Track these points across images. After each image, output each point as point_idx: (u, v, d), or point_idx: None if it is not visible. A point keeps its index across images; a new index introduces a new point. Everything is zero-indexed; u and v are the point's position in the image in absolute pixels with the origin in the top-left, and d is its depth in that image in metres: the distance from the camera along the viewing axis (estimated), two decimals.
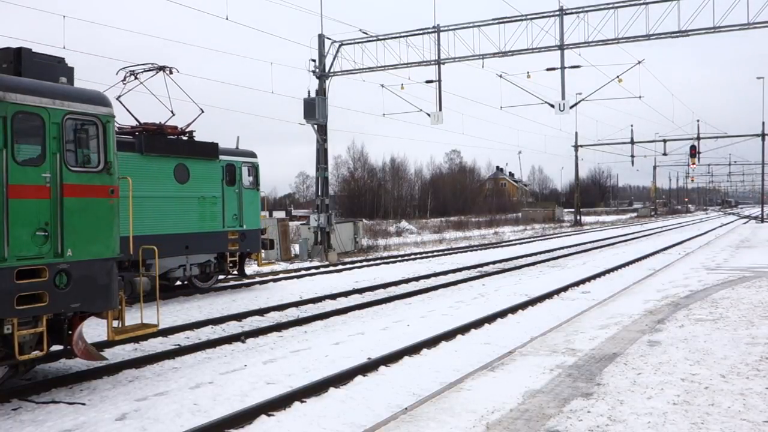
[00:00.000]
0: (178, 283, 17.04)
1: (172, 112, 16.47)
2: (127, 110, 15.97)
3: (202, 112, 17.42)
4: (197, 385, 8.48)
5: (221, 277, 18.57)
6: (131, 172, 13.91)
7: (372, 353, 9.97)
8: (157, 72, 16.02)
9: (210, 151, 17.07)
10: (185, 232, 16.29)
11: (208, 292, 17.49)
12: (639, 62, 30.28)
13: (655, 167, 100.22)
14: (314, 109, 28.81)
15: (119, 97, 15.82)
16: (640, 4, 25.93)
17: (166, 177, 15.82)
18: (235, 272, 18.40)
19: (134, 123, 15.99)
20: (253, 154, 18.94)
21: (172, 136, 16.29)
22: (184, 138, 16.69)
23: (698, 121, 59.81)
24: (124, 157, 14.25)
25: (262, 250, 19.35)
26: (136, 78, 16.03)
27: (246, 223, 18.18)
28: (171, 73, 16.00)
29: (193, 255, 16.61)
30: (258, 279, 20.15)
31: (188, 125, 16.95)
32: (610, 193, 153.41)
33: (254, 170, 18.69)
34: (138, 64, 16.07)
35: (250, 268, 21.93)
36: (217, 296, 16.95)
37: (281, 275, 21.30)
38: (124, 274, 9.36)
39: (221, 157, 17.45)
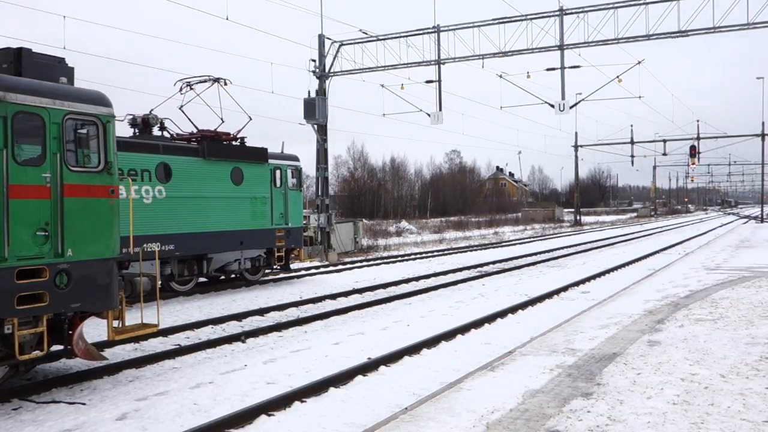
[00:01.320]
0: (221, 276, 18.44)
1: (221, 119, 17.90)
2: (188, 119, 17.73)
3: (251, 119, 19.00)
4: (197, 384, 8.48)
5: (267, 270, 19.92)
6: (196, 174, 16.50)
7: (372, 353, 9.98)
8: (213, 83, 17.71)
9: (260, 155, 18.69)
10: (240, 229, 17.86)
11: (252, 285, 18.74)
12: (639, 62, 30.28)
13: (655, 167, 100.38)
14: (314, 109, 28.81)
15: (181, 107, 17.63)
16: (640, 4, 25.94)
17: (224, 179, 17.40)
18: (277, 267, 19.77)
19: (193, 130, 17.60)
20: (296, 158, 20.62)
21: (227, 142, 17.90)
22: (237, 143, 18.19)
23: (698, 121, 59.88)
24: (190, 161, 16.37)
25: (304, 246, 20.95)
26: (191, 89, 17.70)
27: (291, 221, 19.80)
28: (226, 84, 17.72)
29: (247, 250, 18.20)
30: (271, 277, 20.17)
31: (239, 131, 18.44)
32: (610, 193, 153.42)
33: (297, 173, 20.31)
34: (194, 77, 17.84)
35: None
36: (217, 296, 16.95)
37: (281, 275, 21.28)
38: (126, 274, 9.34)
39: (269, 160, 19.03)
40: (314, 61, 29.75)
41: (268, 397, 7.70)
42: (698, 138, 58.10)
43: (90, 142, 8.32)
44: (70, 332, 8.37)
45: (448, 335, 11.28)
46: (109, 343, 10.32)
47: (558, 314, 13.18)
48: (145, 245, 14.53)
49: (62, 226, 7.84)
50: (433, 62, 28.98)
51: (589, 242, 37.84)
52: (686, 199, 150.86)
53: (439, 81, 29.15)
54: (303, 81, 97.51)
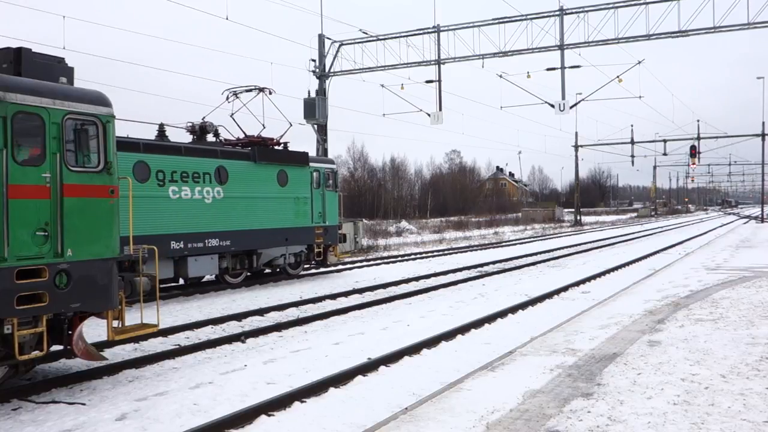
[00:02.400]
0: (266, 270, 20.13)
1: (263, 125, 19.68)
2: (238, 125, 19.46)
3: (291, 125, 21.03)
4: (197, 385, 8.48)
5: (306, 266, 21.48)
6: (248, 177, 18.04)
7: (372, 353, 9.97)
8: (258, 92, 19.42)
9: (302, 159, 20.27)
10: (285, 227, 19.45)
11: (289, 279, 20.06)
12: (639, 62, 30.32)
13: (655, 167, 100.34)
14: (314, 109, 28.83)
15: (232, 114, 19.44)
16: (640, 4, 25.95)
17: (272, 181, 18.99)
18: (313, 262, 21.31)
19: (240, 136, 19.27)
20: (332, 162, 22.79)
21: (273, 147, 19.48)
22: (279, 147, 19.72)
23: (698, 121, 59.91)
24: (243, 164, 17.93)
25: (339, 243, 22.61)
26: (237, 97, 19.43)
27: (328, 220, 21.31)
28: (271, 93, 19.52)
29: (291, 246, 19.81)
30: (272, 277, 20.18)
31: (281, 136, 20.07)
32: (610, 193, 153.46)
33: (333, 175, 21.86)
34: (240, 86, 19.56)
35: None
36: (217, 296, 16.95)
37: (281, 275, 21.27)
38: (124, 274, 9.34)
39: (310, 164, 20.57)
40: (314, 61, 29.76)
41: (268, 397, 7.70)
42: (698, 138, 58.13)
43: (90, 142, 8.31)
44: (70, 332, 8.37)
45: (448, 335, 11.28)
46: (109, 343, 10.31)
47: (558, 314, 13.17)
48: (206, 241, 16.63)
49: (62, 226, 7.83)
50: (433, 62, 28.98)
51: (590, 242, 37.83)
52: (686, 199, 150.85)
53: (439, 81, 29.16)
54: (303, 81, 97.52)
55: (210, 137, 18.27)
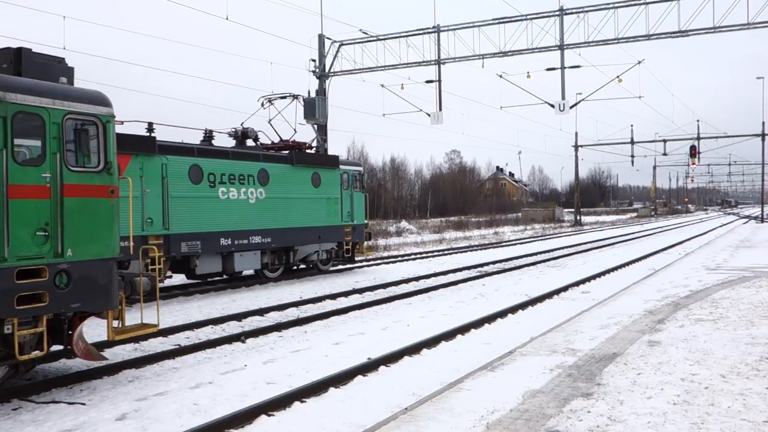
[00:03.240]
0: (301, 266, 21.61)
1: (294, 129, 21.50)
2: (275, 131, 21.47)
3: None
4: (197, 385, 8.48)
5: (335, 261, 22.69)
6: (286, 178, 19.54)
7: (372, 353, 9.97)
8: (292, 99, 21.41)
9: (333, 162, 21.86)
10: (318, 225, 20.82)
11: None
12: (639, 62, 30.32)
13: (655, 167, 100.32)
14: (314, 109, 28.81)
15: (270, 120, 21.29)
16: (640, 4, 25.95)
17: (307, 182, 20.40)
18: (339, 259, 22.57)
19: (276, 140, 21.01)
20: (359, 164, 24.77)
21: (307, 150, 21.10)
22: (311, 151, 21.24)
23: (698, 121, 59.92)
24: (282, 167, 19.43)
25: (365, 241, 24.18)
26: (272, 104, 21.12)
27: (356, 219, 22.72)
28: (304, 101, 21.93)
29: (323, 243, 21.24)
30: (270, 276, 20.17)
31: (312, 140, 21.88)
32: (610, 193, 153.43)
33: (360, 177, 23.22)
34: (275, 94, 21.36)
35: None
36: (217, 296, 16.95)
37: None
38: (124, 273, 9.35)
39: (340, 166, 22.05)
40: (314, 61, 29.77)
41: (268, 397, 7.70)
42: (698, 138, 58.15)
43: (90, 142, 8.31)
44: (70, 332, 8.37)
45: (448, 335, 11.28)
46: (109, 343, 10.31)
47: (558, 314, 13.17)
48: (250, 238, 18.11)
49: (62, 226, 7.84)
50: (433, 62, 28.99)
51: (590, 242, 37.83)
52: (686, 199, 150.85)
53: (439, 81, 29.17)
54: (303, 81, 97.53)
55: (249, 142, 19.90)
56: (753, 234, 41.34)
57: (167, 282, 17.21)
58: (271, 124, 21.23)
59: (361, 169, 23.81)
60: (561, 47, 27.29)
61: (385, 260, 27.64)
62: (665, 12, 25.62)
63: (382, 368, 9.16)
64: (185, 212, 16.30)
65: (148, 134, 15.66)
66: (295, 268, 21.34)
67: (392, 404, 7.49)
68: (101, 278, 8.29)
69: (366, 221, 23.76)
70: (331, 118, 30.26)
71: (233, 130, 19.58)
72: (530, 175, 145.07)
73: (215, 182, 17.13)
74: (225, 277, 18.89)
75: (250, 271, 19.83)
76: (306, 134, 22.70)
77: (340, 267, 23.61)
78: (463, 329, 11.82)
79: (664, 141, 62.76)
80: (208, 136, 18.43)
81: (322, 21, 30.52)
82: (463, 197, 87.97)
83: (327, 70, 29.87)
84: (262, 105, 21.11)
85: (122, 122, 14.29)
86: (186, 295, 16.86)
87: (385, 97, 31.31)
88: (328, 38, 29.91)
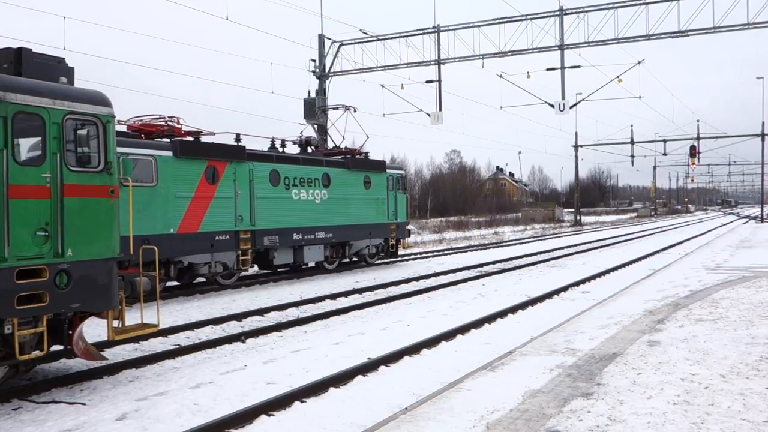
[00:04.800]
0: (354, 259, 23.89)
1: (343, 137, 24.42)
2: (330, 137, 24.46)
3: (368, 137, 26.11)
4: (197, 385, 8.48)
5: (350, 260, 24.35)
6: (344, 181, 22.09)
7: (372, 353, 9.97)
8: (345, 111, 23.95)
9: (381, 166, 24.39)
10: (369, 223, 23.31)
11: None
12: (639, 62, 30.32)
13: (655, 167, 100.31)
14: (314, 109, 28.82)
15: (328, 129, 24.41)
16: (640, 4, 25.96)
17: (360, 185, 22.95)
18: (383, 254, 24.82)
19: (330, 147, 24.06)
20: (401, 168, 27.52)
21: (358, 156, 23.65)
22: (360, 156, 23.72)
23: (698, 121, 59.93)
24: (340, 171, 21.95)
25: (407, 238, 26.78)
26: (324, 114, 24.64)
27: (399, 217, 25.10)
28: (355, 111, 23.97)
29: (373, 239, 23.76)
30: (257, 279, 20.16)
31: (361, 146, 24.83)
32: (610, 193, 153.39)
33: (402, 179, 25.73)
34: (329, 105, 24.46)
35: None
36: (217, 296, 16.96)
37: (283, 275, 21.29)
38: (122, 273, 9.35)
39: (386, 170, 24.52)
40: (314, 61, 29.78)
41: (268, 397, 7.70)
42: (698, 138, 58.17)
43: (90, 142, 8.31)
44: (70, 332, 8.37)
45: (448, 335, 11.28)
46: (109, 343, 10.32)
47: (558, 314, 13.18)
48: (316, 233, 20.60)
49: (62, 226, 7.84)
50: (433, 62, 29.00)
51: (590, 242, 37.84)
52: (686, 199, 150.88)
53: (439, 81, 29.19)
54: (303, 81, 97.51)
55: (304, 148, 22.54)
56: (753, 234, 41.34)
57: (168, 282, 17.36)
58: (327, 132, 24.37)
59: (403, 172, 26.24)
60: (561, 47, 27.29)
61: (385, 260, 27.64)
62: (665, 12, 25.64)
63: (382, 368, 9.16)
64: (267, 211, 18.83)
65: (237, 144, 18.17)
66: (347, 260, 23.54)
67: (392, 404, 7.49)
68: (101, 278, 8.30)
69: (407, 219, 26.25)
70: (331, 118, 30.27)
71: (298, 138, 22.35)
72: (530, 175, 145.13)
73: (289, 185, 19.70)
74: (295, 267, 21.48)
75: (295, 263, 21.43)
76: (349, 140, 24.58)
77: (377, 261, 25.49)
78: (463, 329, 11.82)
79: (664, 141, 62.76)
80: (273, 143, 21.00)
81: (322, 21, 30.56)
82: (463, 197, 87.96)
83: (327, 70, 29.87)
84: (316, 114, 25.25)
85: (214, 133, 17.81)
86: (186, 295, 16.87)
87: (385, 97, 31.32)
88: (328, 38, 29.92)
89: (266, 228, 18.75)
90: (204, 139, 17.42)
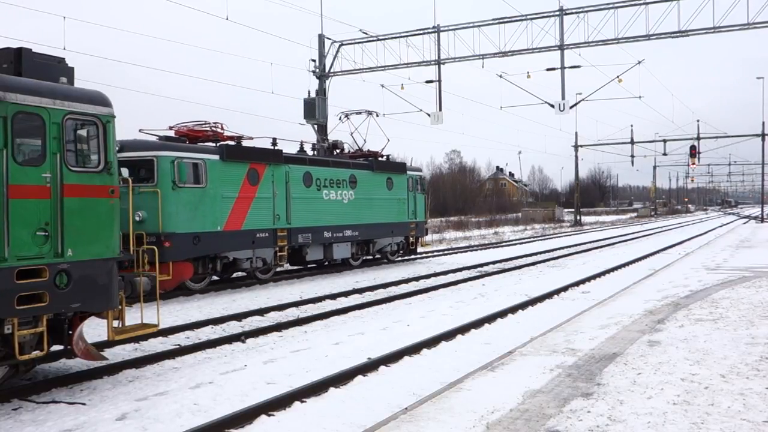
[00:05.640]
0: (376, 256, 25.04)
1: (364, 140, 25.17)
2: (355, 142, 25.12)
3: (389, 141, 27.31)
4: (197, 385, 8.48)
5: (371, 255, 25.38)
6: (369, 182, 23.37)
7: (372, 353, 9.97)
8: (368, 116, 24.84)
9: (402, 168, 25.76)
10: (391, 222, 24.60)
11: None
12: (639, 62, 30.31)
13: (655, 167, 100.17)
14: (314, 109, 28.83)
15: (352, 133, 25.19)
16: (640, 4, 25.95)
17: (383, 186, 24.21)
18: (401, 252, 26.01)
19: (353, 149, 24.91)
20: (420, 170, 28.41)
21: (380, 158, 24.84)
22: (383, 159, 24.93)
23: (698, 121, 59.87)
24: (365, 173, 23.24)
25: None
26: (348, 119, 25.07)
27: (418, 217, 26.28)
28: (378, 116, 25.17)
29: (395, 237, 25.05)
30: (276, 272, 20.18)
31: (382, 149, 25.51)
32: (610, 193, 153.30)
33: (421, 180, 27.05)
34: (351, 110, 25.18)
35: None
36: (217, 296, 16.96)
37: (283, 275, 21.29)
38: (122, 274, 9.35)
39: (406, 172, 25.78)
40: (314, 61, 29.76)
41: (268, 397, 7.70)
42: (698, 138, 58.12)
43: (90, 142, 8.31)
44: (70, 332, 8.37)
45: (448, 335, 11.28)
46: (109, 343, 10.31)
47: (558, 314, 13.17)
48: (344, 231, 21.89)
49: (62, 226, 7.84)
50: (433, 62, 28.99)
51: (589, 242, 37.83)
52: (686, 199, 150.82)
53: (439, 81, 29.17)
54: (303, 81, 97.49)
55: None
56: (753, 234, 41.34)
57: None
58: (353, 136, 25.14)
59: (422, 173, 27.68)
60: (561, 47, 27.28)
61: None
62: (665, 12, 25.63)
63: (382, 368, 9.16)
64: (301, 210, 20.13)
65: (273, 147, 19.46)
66: (369, 257, 24.67)
67: (392, 404, 7.49)
68: (101, 278, 8.30)
69: (426, 219, 27.45)
70: (331, 118, 30.27)
71: (327, 142, 24.51)
72: (530, 175, 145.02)
73: (320, 186, 20.98)
74: (325, 263, 22.71)
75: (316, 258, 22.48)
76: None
77: (398, 258, 26.77)
78: (463, 329, 11.82)
79: (664, 141, 62.72)
80: (302, 147, 22.30)
81: (322, 21, 30.53)
82: (463, 197, 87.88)
83: (327, 70, 29.86)
84: (340, 119, 25.35)
85: (252, 137, 18.99)
86: (186, 295, 16.87)
87: (385, 97, 31.38)
88: (328, 38, 29.90)
89: (301, 226, 20.08)
90: (244, 143, 18.72)
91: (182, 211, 16.25)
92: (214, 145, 17.76)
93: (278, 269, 20.98)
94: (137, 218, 15.21)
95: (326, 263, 22.71)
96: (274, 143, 19.48)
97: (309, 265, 22.37)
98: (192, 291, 17.20)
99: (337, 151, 24.23)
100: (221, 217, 17.31)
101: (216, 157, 17.27)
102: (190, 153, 16.61)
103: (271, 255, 19.08)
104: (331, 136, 26.30)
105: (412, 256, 27.53)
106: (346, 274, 22.04)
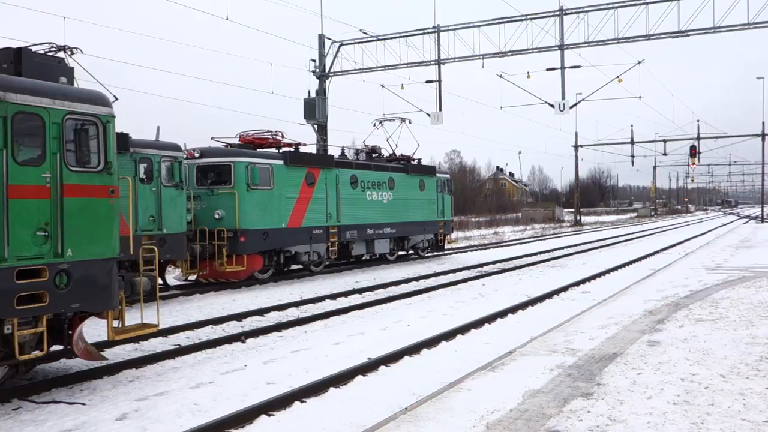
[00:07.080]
0: (410, 252, 27.49)
1: (396, 144, 27.20)
2: (389, 145, 26.97)
3: (419, 145, 29.04)
4: (197, 385, 8.48)
5: (398, 252, 27.13)
6: (404, 184, 25.45)
7: (372, 353, 9.97)
8: (401, 123, 26.72)
9: (432, 171, 27.89)
10: (423, 220, 26.73)
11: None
12: (639, 62, 30.30)
13: (655, 167, 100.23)
14: (314, 109, 28.84)
15: (388, 138, 27.07)
16: (640, 4, 25.95)
17: (416, 187, 26.36)
18: (432, 248, 28.08)
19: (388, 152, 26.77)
20: (447, 172, 31.51)
21: (413, 162, 27.01)
22: (415, 162, 27.01)
23: (698, 121, 59.85)
24: (401, 176, 25.38)
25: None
26: (382, 125, 26.86)
27: (445, 216, 28.44)
28: (410, 122, 27.02)
29: (426, 234, 27.13)
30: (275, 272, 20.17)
31: (414, 153, 27.55)
32: (610, 193, 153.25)
33: (448, 182, 28.97)
34: (385, 116, 27.10)
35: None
36: (217, 296, 16.96)
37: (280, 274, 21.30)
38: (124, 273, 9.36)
39: (436, 174, 27.82)
40: (314, 61, 29.77)
41: (268, 397, 7.70)
42: (698, 138, 58.10)
43: (90, 142, 8.31)
44: (70, 332, 8.37)
45: (448, 335, 11.28)
46: (109, 343, 10.31)
47: (558, 314, 13.17)
48: (384, 229, 24.09)
49: (62, 226, 7.83)
50: (433, 62, 28.99)
51: (590, 242, 37.83)
52: (686, 199, 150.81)
53: (439, 81, 29.17)
54: (303, 81, 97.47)
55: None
56: (753, 234, 41.34)
57: (164, 282, 17.71)
58: (388, 141, 27.01)
59: (449, 176, 29.83)
60: (561, 47, 27.28)
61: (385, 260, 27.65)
62: (665, 12, 25.62)
63: (382, 368, 9.16)
64: (348, 209, 22.31)
65: (326, 153, 22.39)
66: (403, 253, 26.85)
67: (392, 404, 7.49)
68: (101, 278, 8.30)
69: (452, 218, 29.86)
70: (331, 118, 30.29)
71: (367, 146, 26.16)
72: (530, 175, 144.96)
73: (364, 187, 23.22)
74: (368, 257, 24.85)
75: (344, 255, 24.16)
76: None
77: (428, 254, 28.46)
78: (463, 329, 11.82)
79: (664, 141, 62.71)
80: (343, 151, 25.04)
81: (322, 21, 30.55)
82: (463, 197, 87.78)
83: (327, 71, 29.87)
84: (374, 125, 26.93)
85: (306, 144, 21.42)
86: (186, 295, 16.87)
87: (385, 97, 31.50)
88: (328, 38, 29.91)
89: (348, 224, 22.30)
90: (301, 149, 20.87)
91: (255, 210, 18.60)
92: (277, 151, 20.22)
93: (327, 263, 22.55)
94: (216, 216, 17.93)
95: (364, 258, 24.75)
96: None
97: (351, 259, 24.53)
98: (192, 291, 17.21)
99: (375, 155, 25.80)
100: (285, 215, 19.67)
101: (281, 162, 19.65)
102: (260, 159, 19.02)
103: (324, 250, 21.27)
104: (367, 141, 28.09)
105: (440, 252, 29.26)
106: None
